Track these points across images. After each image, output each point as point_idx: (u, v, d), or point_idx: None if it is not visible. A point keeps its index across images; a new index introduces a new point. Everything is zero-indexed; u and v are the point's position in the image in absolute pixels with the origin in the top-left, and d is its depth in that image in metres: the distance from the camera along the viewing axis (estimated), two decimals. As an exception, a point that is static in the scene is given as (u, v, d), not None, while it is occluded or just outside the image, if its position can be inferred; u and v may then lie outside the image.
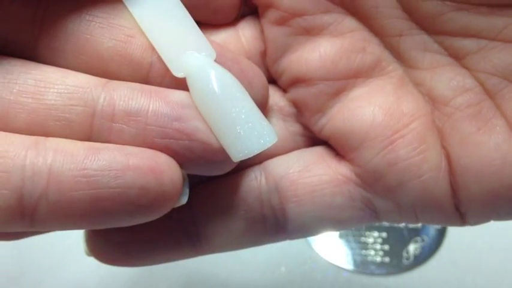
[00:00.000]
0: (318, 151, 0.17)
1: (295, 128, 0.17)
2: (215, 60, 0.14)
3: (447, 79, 0.15)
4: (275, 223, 0.16)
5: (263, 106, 0.16)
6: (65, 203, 0.12)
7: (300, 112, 0.17)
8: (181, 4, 0.14)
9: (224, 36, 0.16)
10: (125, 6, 0.14)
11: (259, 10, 0.16)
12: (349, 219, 0.16)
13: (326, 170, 0.16)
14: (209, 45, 0.14)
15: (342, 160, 0.16)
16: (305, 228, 0.17)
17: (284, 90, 0.17)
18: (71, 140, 0.13)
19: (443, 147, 0.15)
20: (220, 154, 0.14)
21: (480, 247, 0.30)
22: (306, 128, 0.17)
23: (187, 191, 0.14)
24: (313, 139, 0.17)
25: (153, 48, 0.14)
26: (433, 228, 0.32)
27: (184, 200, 0.14)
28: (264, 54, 0.17)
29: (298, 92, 0.16)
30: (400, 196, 0.15)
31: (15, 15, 0.13)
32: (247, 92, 0.14)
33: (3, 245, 0.31)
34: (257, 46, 0.17)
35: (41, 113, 0.13)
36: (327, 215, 0.16)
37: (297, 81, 0.16)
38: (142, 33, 0.14)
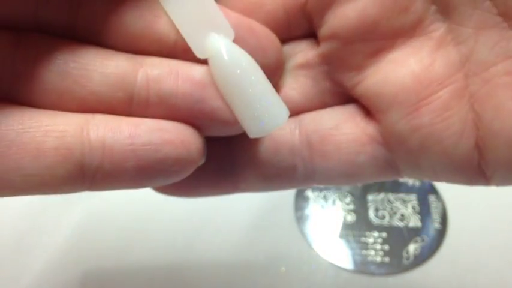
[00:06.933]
0: (350, 110, 0.18)
1: (323, 85, 0.18)
2: (234, 34, 0.16)
3: (492, 43, 0.15)
4: (304, 173, 0.18)
5: (278, 69, 0.18)
6: (117, 172, 0.15)
7: (333, 67, 0.17)
8: None
9: None
10: None
11: None
12: (371, 175, 0.18)
13: (354, 129, 0.17)
14: (228, 25, 0.16)
15: (371, 120, 0.17)
16: (330, 180, 0.18)
17: (319, 42, 0.17)
18: (114, 116, 0.15)
19: (475, 111, 0.15)
20: (236, 126, 0.16)
21: (480, 247, 0.30)
22: (335, 84, 0.18)
23: (206, 153, 0.17)
24: (342, 96, 0.18)
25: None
26: (433, 228, 0.32)
27: (203, 160, 0.17)
28: (304, 5, 0.17)
29: (335, 48, 0.17)
30: (422, 159, 0.16)
31: (53, 1, 0.15)
32: (262, 72, 0.16)
33: (3, 244, 0.32)
34: None
35: (89, 99, 0.15)
36: (351, 171, 0.17)
37: (335, 37, 0.16)
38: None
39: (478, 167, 0.15)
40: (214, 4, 0.16)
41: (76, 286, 0.30)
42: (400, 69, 0.16)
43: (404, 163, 0.17)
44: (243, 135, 0.17)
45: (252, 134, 0.16)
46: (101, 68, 0.15)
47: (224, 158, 0.18)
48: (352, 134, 0.17)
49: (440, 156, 0.16)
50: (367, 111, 0.17)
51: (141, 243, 0.32)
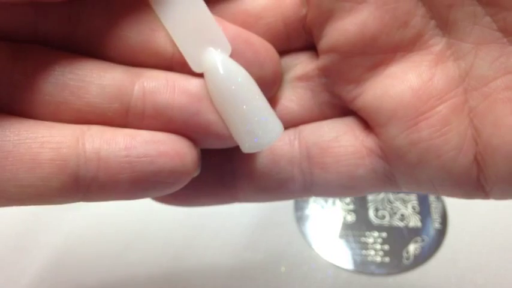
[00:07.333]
0: (349, 122, 0.18)
1: (322, 97, 0.18)
2: (231, 45, 0.16)
3: (491, 58, 0.15)
4: (303, 184, 0.18)
5: (275, 82, 0.18)
6: (112, 183, 0.15)
7: (332, 80, 0.17)
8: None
9: (264, 1, 0.17)
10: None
11: None
12: (369, 188, 0.18)
13: (353, 141, 0.17)
14: (225, 40, 0.16)
15: (370, 133, 0.17)
16: (329, 192, 0.18)
17: (318, 55, 0.17)
18: (110, 128, 0.15)
19: (474, 126, 0.15)
20: (230, 140, 0.16)
21: (480, 247, 0.30)
22: (334, 97, 0.18)
23: (200, 164, 0.17)
24: (341, 108, 0.18)
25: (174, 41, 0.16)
26: (433, 228, 0.32)
27: (198, 172, 0.17)
28: (304, 18, 0.17)
29: (334, 61, 0.17)
30: (420, 173, 0.16)
31: (52, 14, 0.15)
32: (258, 88, 0.16)
33: (2, 245, 0.32)
34: (298, 11, 0.17)
35: (85, 110, 0.15)
36: (349, 184, 0.17)
37: (334, 50, 0.17)
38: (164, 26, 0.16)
39: (477, 182, 0.15)
40: (212, 18, 0.16)
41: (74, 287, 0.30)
42: (399, 83, 0.16)
43: (403, 177, 0.17)
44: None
45: (245, 149, 0.16)
46: (98, 79, 0.15)
47: (223, 168, 0.18)
48: (352, 146, 0.17)
49: (438, 171, 0.16)
50: (367, 124, 0.17)
51: (140, 242, 0.32)
